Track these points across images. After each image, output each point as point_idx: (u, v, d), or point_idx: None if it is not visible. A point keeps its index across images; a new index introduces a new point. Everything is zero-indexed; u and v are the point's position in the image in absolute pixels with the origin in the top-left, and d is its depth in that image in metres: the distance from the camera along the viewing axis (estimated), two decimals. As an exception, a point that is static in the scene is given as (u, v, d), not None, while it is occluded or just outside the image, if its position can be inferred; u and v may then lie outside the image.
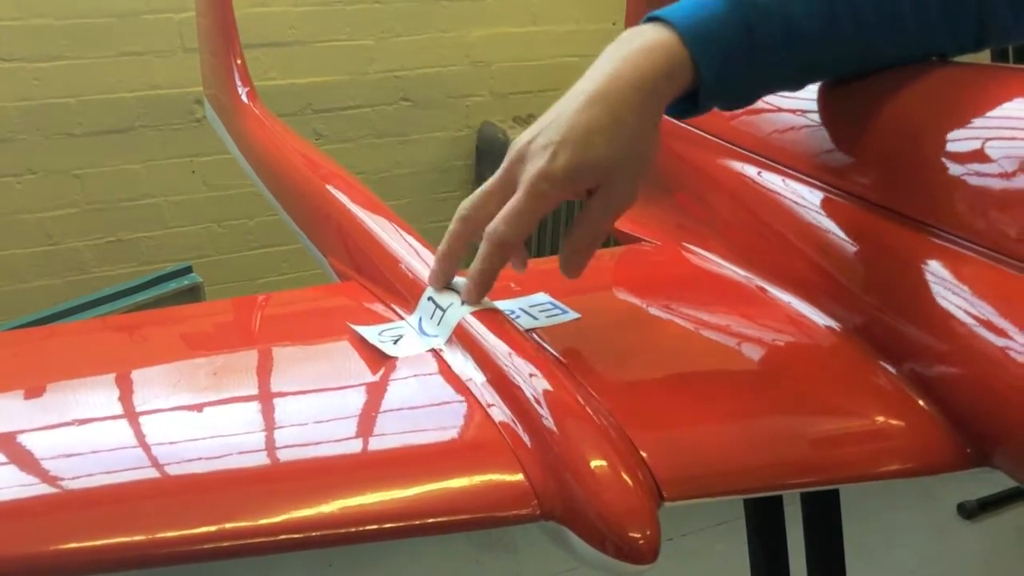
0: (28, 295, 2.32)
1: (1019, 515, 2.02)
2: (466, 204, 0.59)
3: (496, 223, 0.56)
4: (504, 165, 0.57)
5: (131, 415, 0.54)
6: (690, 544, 1.78)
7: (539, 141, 0.55)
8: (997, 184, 0.51)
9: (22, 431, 0.52)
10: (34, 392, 0.57)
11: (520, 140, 0.57)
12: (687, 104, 0.57)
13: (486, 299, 0.60)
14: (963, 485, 2.04)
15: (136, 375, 0.59)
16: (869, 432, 0.52)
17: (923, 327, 0.53)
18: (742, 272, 0.69)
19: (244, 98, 1.31)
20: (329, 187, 0.91)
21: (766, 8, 0.55)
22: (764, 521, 0.90)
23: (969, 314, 0.50)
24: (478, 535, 1.86)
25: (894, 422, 0.52)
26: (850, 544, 0.91)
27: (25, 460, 0.49)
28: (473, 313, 0.58)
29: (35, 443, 0.51)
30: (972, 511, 2.01)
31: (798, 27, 0.56)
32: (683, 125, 0.78)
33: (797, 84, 0.61)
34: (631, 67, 0.54)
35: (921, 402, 0.52)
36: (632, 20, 1.26)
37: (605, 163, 0.55)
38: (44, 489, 0.47)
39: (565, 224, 2.46)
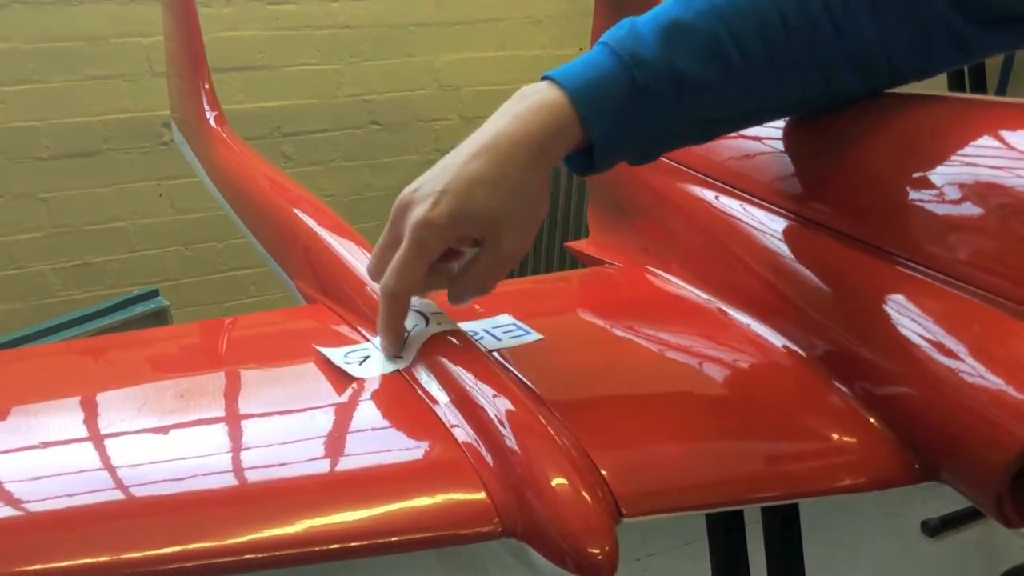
0: (-8, 319, 2.29)
1: (981, 532, 2.05)
2: (370, 268, 0.60)
3: (386, 278, 0.57)
4: (390, 218, 0.58)
5: (97, 438, 0.54)
6: (657, 563, 1.79)
7: (422, 191, 0.57)
8: (946, 210, 0.53)
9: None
10: (-1, 415, 0.57)
11: (405, 191, 0.58)
12: (584, 160, 0.58)
13: (450, 321, 0.61)
14: (926, 503, 2.06)
15: (102, 398, 0.59)
16: (822, 449, 0.53)
17: (874, 348, 0.54)
18: (702, 295, 0.70)
19: (212, 122, 1.31)
20: (296, 211, 0.92)
21: (655, 66, 0.55)
22: (725, 542, 0.91)
23: (918, 336, 0.51)
24: (448, 558, 1.85)
25: (846, 439, 0.53)
26: (815, 562, 0.92)
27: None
28: (437, 334, 0.59)
29: (1, 466, 0.51)
30: (935, 528, 2.02)
31: (689, 82, 0.56)
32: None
33: (701, 138, 0.61)
34: (518, 124, 0.56)
35: (872, 420, 0.53)
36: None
37: (486, 214, 0.55)
38: (8, 511, 0.46)
39: (556, 241, 2.47)
